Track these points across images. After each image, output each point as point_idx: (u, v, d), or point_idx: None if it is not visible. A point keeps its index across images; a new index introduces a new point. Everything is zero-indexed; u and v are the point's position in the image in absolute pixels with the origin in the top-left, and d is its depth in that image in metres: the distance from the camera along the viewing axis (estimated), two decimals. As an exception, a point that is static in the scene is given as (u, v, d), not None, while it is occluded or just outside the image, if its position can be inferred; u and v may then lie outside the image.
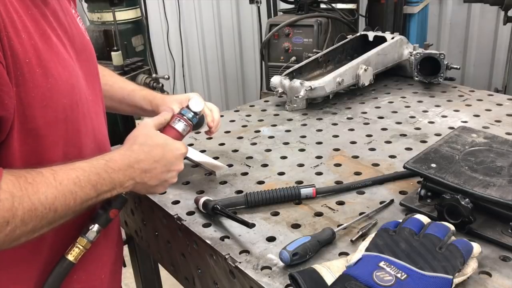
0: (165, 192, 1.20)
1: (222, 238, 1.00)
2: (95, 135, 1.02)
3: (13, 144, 0.83)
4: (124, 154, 0.96)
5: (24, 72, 0.79)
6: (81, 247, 0.94)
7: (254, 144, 1.45)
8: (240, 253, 0.95)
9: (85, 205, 0.89)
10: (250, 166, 1.31)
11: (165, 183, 1.01)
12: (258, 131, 1.55)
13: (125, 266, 1.59)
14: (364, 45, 1.98)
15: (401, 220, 0.89)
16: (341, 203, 1.11)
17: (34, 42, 0.81)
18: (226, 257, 0.94)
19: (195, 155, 1.37)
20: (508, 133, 1.40)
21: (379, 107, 1.69)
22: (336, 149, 1.38)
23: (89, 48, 1.08)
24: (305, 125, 1.58)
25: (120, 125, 3.44)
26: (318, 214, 1.07)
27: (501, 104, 1.63)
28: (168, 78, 3.20)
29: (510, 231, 0.93)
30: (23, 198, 0.80)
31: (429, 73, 1.79)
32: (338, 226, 1.01)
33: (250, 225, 0.97)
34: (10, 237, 0.80)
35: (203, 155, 1.38)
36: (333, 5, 2.97)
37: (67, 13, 0.98)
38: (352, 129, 1.52)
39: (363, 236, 0.96)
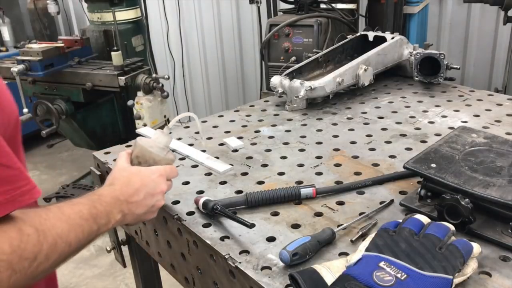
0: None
1: (222, 238, 1.00)
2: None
3: None
4: (109, 189, 1.00)
5: None
6: None
7: (254, 144, 1.45)
8: (240, 253, 0.95)
9: (89, 239, 0.92)
10: (250, 166, 1.31)
11: (152, 208, 1.03)
12: (258, 131, 1.55)
13: (125, 266, 1.59)
14: (364, 45, 1.98)
15: (401, 220, 0.89)
16: (341, 203, 1.11)
17: None
18: (226, 257, 0.94)
19: (198, 155, 1.37)
20: (508, 133, 1.40)
21: (379, 107, 1.69)
22: (336, 149, 1.38)
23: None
24: (305, 125, 1.58)
25: (120, 125, 3.45)
26: (318, 214, 1.07)
27: (501, 104, 1.63)
28: (168, 78, 3.20)
29: (510, 231, 0.93)
30: (45, 232, 0.82)
31: (429, 73, 1.79)
32: (338, 226, 1.01)
33: (250, 225, 0.98)
34: (33, 273, 0.81)
35: (206, 155, 1.37)
36: (333, 5, 2.97)
37: None
38: (352, 129, 1.52)
39: (363, 236, 0.96)
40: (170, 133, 1.17)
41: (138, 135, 1.44)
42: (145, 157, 1.07)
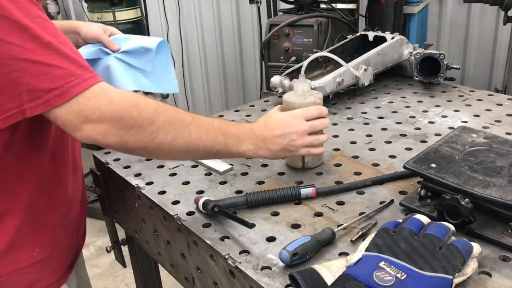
0: (164, 192, 1.20)
1: (222, 238, 1.00)
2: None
3: (21, 131, 1.00)
4: (247, 124, 1.14)
5: None
6: None
7: (254, 144, 1.45)
8: (240, 253, 0.95)
9: (213, 146, 1.03)
10: (250, 166, 1.31)
11: (287, 146, 1.12)
12: (258, 131, 1.55)
13: (125, 266, 1.59)
14: (364, 45, 1.98)
15: (401, 220, 0.89)
16: (341, 203, 1.11)
17: None
18: (226, 257, 0.94)
19: None
20: (508, 133, 1.40)
21: (379, 107, 1.69)
22: (336, 149, 1.38)
23: None
24: (305, 125, 1.58)
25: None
26: (318, 214, 1.07)
27: (501, 104, 1.63)
28: (168, 78, 3.20)
29: (510, 231, 0.93)
30: (165, 108, 0.97)
31: (429, 73, 1.79)
32: (338, 226, 1.01)
33: (250, 225, 0.98)
34: (152, 138, 0.94)
35: None
36: (333, 5, 2.97)
37: None
38: (352, 129, 1.52)
39: (363, 236, 0.96)
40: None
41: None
42: (288, 108, 1.20)
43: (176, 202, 1.16)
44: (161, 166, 1.34)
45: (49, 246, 1.15)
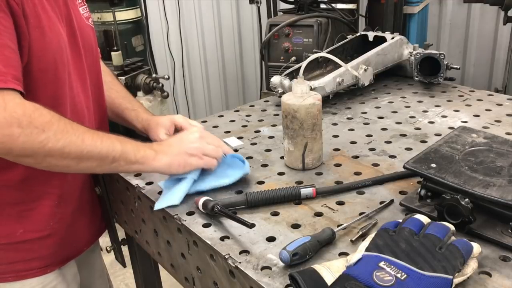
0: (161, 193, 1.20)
1: (222, 238, 1.00)
2: (73, 97, 1.22)
3: None
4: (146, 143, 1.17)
5: (29, 29, 1.04)
6: None
7: (254, 144, 1.45)
8: (240, 253, 0.95)
9: (111, 154, 1.07)
10: (250, 166, 1.31)
11: (186, 149, 1.15)
12: (258, 131, 1.55)
13: (125, 266, 1.59)
14: (364, 45, 1.98)
15: (401, 220, 0.89)
16: (341, 203, 1.11)
17: (37, 10, 1.06)
18: (226, 257, 0.94)
19: None
20: (508, 133, 1.40)
21: (379, 107, 1.69)
22: (336, 149, 1.38)
23: (85, 30, 1.29)
24: (305, 125, 1.58)
25: (120, 125, 3.44)
26: (318, 214, 1.07)
27: (501, 104, 1.63)
28: (168, 78, 3.20)
29: (510, 231, 0.93)
30: (59, 120, 1.01)
31: (429, 73, 1.79)
32: (338, 226, 1.01)
33: (250, 225, 0.98)
34: (42, 145, 0.98)
35: None
36: (333, 5, 2.97)
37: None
38: (352, 129, 1.52)
39: (363, 236, 0.96)
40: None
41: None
42: (287, 110, 1.19)
43: (176, 202, 1.16)
44: (161, 166, 1.33)
45: (35, 231, 1.22)
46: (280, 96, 1.73)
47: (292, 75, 1.75)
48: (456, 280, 0.79)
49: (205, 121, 1.66)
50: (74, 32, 1.22)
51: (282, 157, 1.34)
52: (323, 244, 0.94)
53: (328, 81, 1.66)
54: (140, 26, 3.42)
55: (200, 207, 1.09)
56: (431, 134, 1.44)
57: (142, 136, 1.41)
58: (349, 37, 2.05)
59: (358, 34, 2.06)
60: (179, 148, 1.15)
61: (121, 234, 1.52)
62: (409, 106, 1.68)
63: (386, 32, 2.01)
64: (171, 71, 4.35)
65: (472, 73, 3.73)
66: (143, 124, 1.40)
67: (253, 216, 1.08)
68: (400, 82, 1.94)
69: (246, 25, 4.35)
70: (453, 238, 0.86)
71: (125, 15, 3.25)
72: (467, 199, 0.93)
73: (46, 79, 1.11)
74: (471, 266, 0.82)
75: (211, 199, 1.09)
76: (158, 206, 1.12)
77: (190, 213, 1.11)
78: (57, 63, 1.12)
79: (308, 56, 1.91)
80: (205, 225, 1.05)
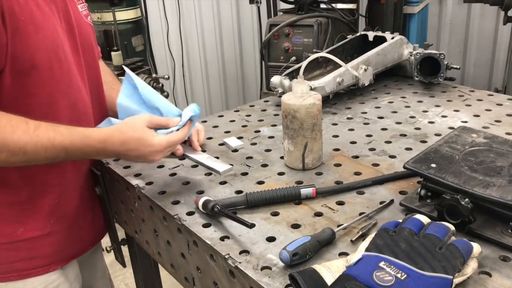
0: (164, 192, 1.20)
1: (222, 238, 1.00)
2: (74, 94, 1.22)
3: (6, 79, 1.07)
4: (101, 138, 1.12)
5: (19, 26, 1.04)
6: None
7: (254, 144, 1.45)
8: (240, 253, 0.95)
9: (56, 160, 1.11)
10: (250, 166, 1.31)
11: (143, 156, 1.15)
12: (258, 131, 1.55)
13: (125, 266, 1.59)
14: (364, 45, 1.98)
15: (401, 220, 0.89)
16: (341, 203, 1.11)
17: (30, 7, 1.06)
18: (226, 257, 0.94)
19: (197, 155, 1.37)
20: (508, 133, 1.40)
21: (379, 107, 1.69)
22: (336, 149, 1.38)
23: (83, 27, 1.30)
24: (305, 125, 1.58)
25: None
26: (318, 214, 1.07)
27: (501, 104, 1.63)
28: (168, 78, 3.20)
29: (510, 231, 0.93)
30: None
31: (429, 73, 1.79)
32: (338, 226, 1.01)
33: (250, 225, 0.98)
34: None
35: (206, 155, 1.37)
36: (333, 5, 2.97)
37: None
38: (352, 129, 1.52)
39: (363, 236, 0.96)
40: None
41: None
42: (287, 110, 1.20)
43: (176, 202, 1.16)
44: (161, 166, 1.34)
45: (36, 230, 1.23)
46: (280, 96, 1.73)
47: (292, 75, 1.75)
48: (456, 280, 0.79)
49: (205, 121, 1.66)
50: (72, 29, 1.23)
51: (282, 157, 1.34)
52: (323, 244, 0.94)
53: (328, 81, 1.66)
54: (140, 26, 3.43)
55: (200, 207, 1.09)
56: (431, 134, 1.44)
57: None
58: (349, 37, 2.05)
59: (358, 34, 2.06)
60: (138, 156, 1.15)
61: (121, 234, 1.52)
62: (409, 106, 1.68)
63: (386, 32, 2.01)
64: (171, 71, 4.35)
65: (472, 73, 3.73)
66: None
67: (253, 216, 1.08)
68: (400, 82, 1.94)
69: (246, 25, 4.35)
70: (453, 238, 0.86)
71: (125, 15, 3.25)
72: (467, 199, 0.93)
73: (40, 76, 1.11)
74: (471, 266, 0.82)
75: (211, 199, 1.09)
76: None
77: (190, 213, 1.11)
78: (51, 61, 1.12)
79: (308, 56, 1.91)
80: (205, 225, 1.05)
